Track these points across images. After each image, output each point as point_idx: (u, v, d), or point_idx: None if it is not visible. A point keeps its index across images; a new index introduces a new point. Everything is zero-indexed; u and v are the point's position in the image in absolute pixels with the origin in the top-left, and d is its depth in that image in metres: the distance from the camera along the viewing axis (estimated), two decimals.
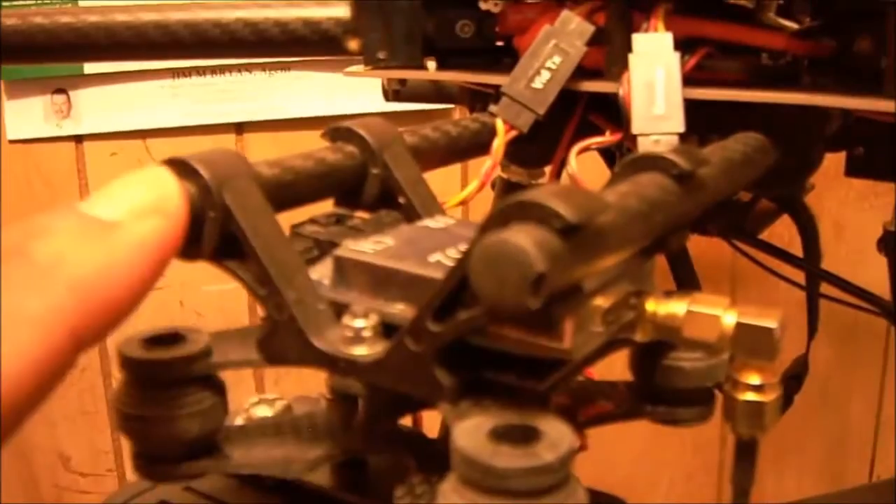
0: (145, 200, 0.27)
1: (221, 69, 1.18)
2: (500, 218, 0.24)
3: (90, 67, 1.16)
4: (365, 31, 0.51)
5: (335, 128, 0.37)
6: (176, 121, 1.20)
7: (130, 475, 0.33)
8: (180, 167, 0.29)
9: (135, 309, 0.25)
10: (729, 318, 0.30)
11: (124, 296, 0.25)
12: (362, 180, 0.37)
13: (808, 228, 0.60)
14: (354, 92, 1.16)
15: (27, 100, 1.18)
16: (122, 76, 1.17)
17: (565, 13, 0.44)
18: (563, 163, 0.46)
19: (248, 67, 1.18)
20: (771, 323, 0.30)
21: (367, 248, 0.31)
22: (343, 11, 0.52)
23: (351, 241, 0.32)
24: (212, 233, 0.30)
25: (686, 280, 0.52)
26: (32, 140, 1.20)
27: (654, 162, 0.31)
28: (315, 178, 0.35)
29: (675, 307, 0.30)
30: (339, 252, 0.31)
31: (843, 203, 1.25)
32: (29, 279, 0.23)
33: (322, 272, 0.31)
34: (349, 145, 0.37)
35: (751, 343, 0.30)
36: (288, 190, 0.33)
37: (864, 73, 0.43)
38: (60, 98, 1.18)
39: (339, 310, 0.30)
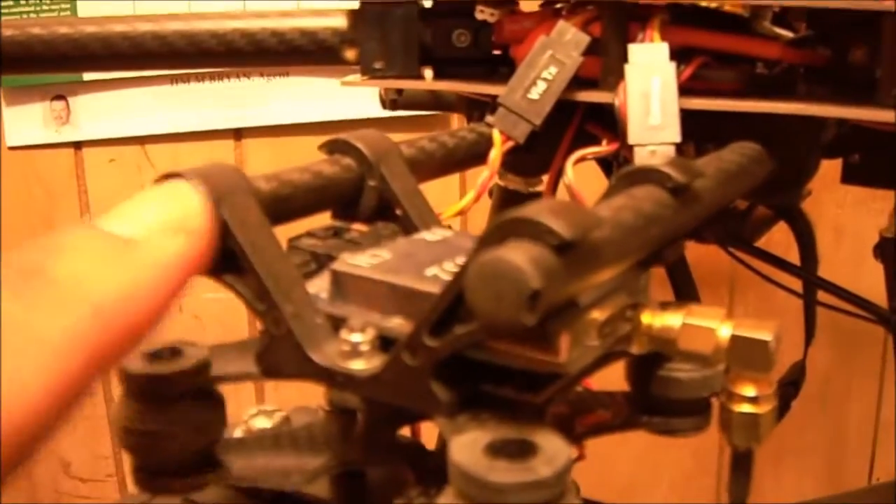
0: (168, 217, 0.26)
1: (220, 75, 1.18)
2: (495, 235, 0.24)
3: (89, 74, 1.16)
4: (362, 40, 0.51)
5: (332, 140, 0.37)
6: (175, 127, 1.20)
7: (131, 481, 0.33)
8: None
9: (155, 330, 0.25)
10: (724, 331, 0.30)
11: (145, 318, 0.24)
12: (359, 193, 0.37)
13: (804, 235, 0.60)
14: (353, 98, 1.16)
15: (26, 106, 1.18)
16: (120, 82, 1.17)
17: (561, 24, 0.45)
18: (560, 173, 0.46)
19: (247, 73, 1.18)
20: (766, 335, 0.30)
21: (364, 262, 0.31)
22: (340, 21, 0.53)
23: (348, 255, 0.32)
24: None
25: (684, 289, 0.52)
26: (32, 146, 1.21)
27: (649, 175, 0.32)
28: (312, 192, 0.35)
29: (671, 319, 0.31)
30: (337, 266, 0.31)
31: (843, 207, 1.25)
32: (49, 300, 0.22)
33: (320, 286, 0.32)
34: (346, 158, 0.37)
35: (746, 355, 0.30)
36: (285, 203, 0.33)
37: (858, 82, 0.44)
38: (59, 104, 1.18)
39: (337, 324, 0.30)
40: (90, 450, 1.33)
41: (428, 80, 0.52)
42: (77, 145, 1.22)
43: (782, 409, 0.61)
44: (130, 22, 0.56)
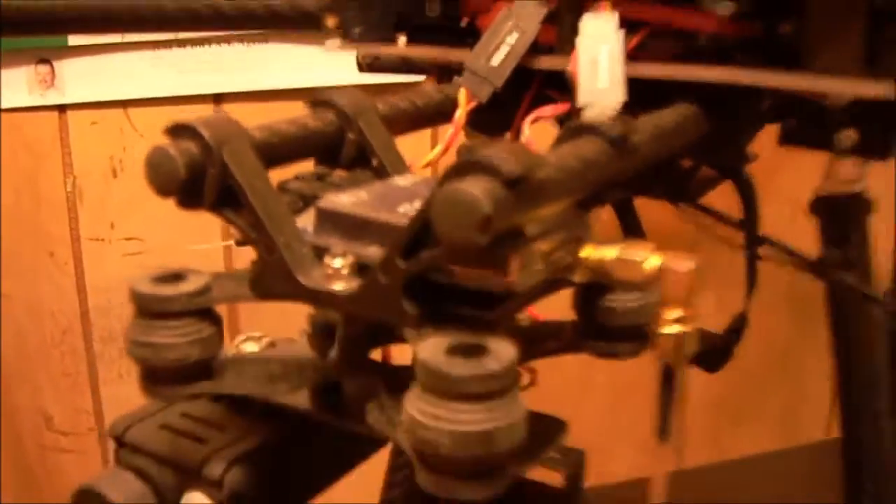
0: None
1: (201, 41, 1.21)
2: (456, 171, 0.29)
3: (74, 39, 1.19)
4: (342, 8, 0.55)
5: (316, 97, 0.42)
6: (157, 91, 1.23)
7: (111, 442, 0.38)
8: (185, 130, 0.34)
9: None
10: (652, 262, 0.35)
11: None
12: (340, 143, 0.42)
13: (747, 194, 0.65)
14: (331, 64, 1.20)
15: (11, 70, 1.21)
16: (105, 47, 1.20)
17: None
18: (519, 131, 0.51)
19: (228, 39, 1.21)
20: (688, 266, 0.35)
21: (345, 200, 0.36)
22: None
23: (331, 195, 0.37)
24: (212, 186, 0.35)
25: (632, 230, 0.57)
26: (16, 109, 1.23)
27: (591, 128, 0.37)
28: (299, 141, 0.40)
29: (606, 252, 0.35)
30: (321, 204, 0.36)
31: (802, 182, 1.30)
32: None
33: (306, 221, 0.37)
34: (328, 113, 0.42)
35: (671, 283, 0.35)
36: (276, 150, 0.38)
37: (787, 53, 0.48)
38: (44, 68, 1.21)
39: (321, 253, 0.35)
40: (71, 404, 1.36)
41: (401, 45, 0.56)
42: (61, 108, 1.25)
43: (725, 354, 0.67)
44: None
